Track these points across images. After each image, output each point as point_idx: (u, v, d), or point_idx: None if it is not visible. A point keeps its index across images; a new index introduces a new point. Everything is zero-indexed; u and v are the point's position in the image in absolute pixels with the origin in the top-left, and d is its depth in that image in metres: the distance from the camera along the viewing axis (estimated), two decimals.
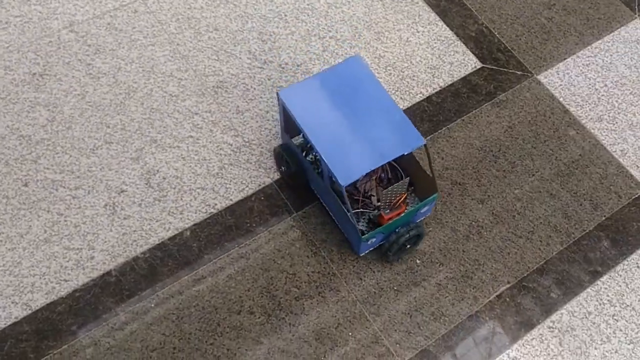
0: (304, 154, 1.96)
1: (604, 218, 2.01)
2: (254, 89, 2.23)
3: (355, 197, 1.90)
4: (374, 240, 1.84)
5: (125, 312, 1.83)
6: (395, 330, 1.84)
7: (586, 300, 1.89)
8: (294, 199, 2.02)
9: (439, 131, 2.14)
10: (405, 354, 1.81)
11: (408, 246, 1.89)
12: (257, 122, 2.16)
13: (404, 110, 2.20)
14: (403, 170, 1.92)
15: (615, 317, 1.87)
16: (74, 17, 2.33)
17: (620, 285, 1.92)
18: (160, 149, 2.10)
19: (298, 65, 2.27)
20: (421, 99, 2.22)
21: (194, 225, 1.98)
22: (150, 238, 1.95)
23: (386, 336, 1.83)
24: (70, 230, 1.93)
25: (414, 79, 2.26)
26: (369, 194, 1.89)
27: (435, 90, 2.24)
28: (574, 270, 1.93)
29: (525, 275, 1.92)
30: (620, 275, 1.93)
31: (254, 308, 1.85)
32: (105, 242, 1.92)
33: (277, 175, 2.07)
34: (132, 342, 1.79)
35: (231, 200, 2.03)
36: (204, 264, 1.92)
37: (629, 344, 1.83)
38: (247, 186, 2.05)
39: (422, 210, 1.88)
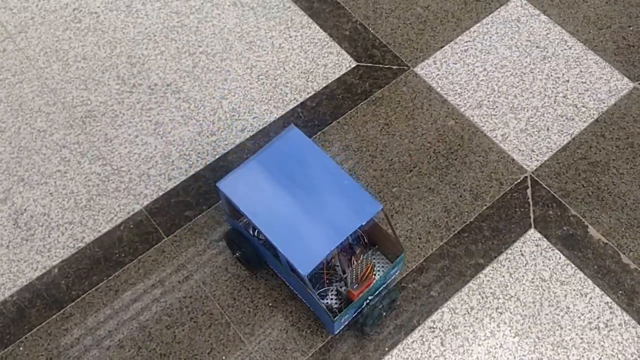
0: (255, 233, 1.85)
1: (484, 207, 2.01)
2: (123, 114, 2.24)
3: (320, 271, 1.81)
4: (346, 316, 1.77)
5: None
6: (271, 349, 1.83)
7: (468, 295, 1.88)
8: (166, 223, 2.03)
9: (314, 136, 2.15)
10: None
11: (384, 313, 1.82)
12: (125, 147, 2.17)
13: (278, 119, 2.21)
14: (364, 232, 1.84)
15: (499, 310, 1.86)
16: None
17: (503, 276, 1.91)
18: (28, 187, 2.11)
19: (168, 85, 2.29)
20: (295, 105, 2.23)
21: (62, 262, 1.99)
22: (19, 280, 1.96)
23: (261, 357, 1.82)
24: None
25: (287, 86, 2.27)
26: (333, 264, 1.80)
27: (310, 95, 2.25)
28: (454, 265, 1.93)
29: (403, 276, 1.92)
30: (504, 266, 1.93)
31: (124, 342, 1.85)
32: None
33: (146, 201, 2.08)
34: None
35: (99, 232, 2.03)
36: (72, 300, 1.93)
37: (514, 337, 1.82)
38: (115, 215, 2.06)
39: (391, 273, 1.83)
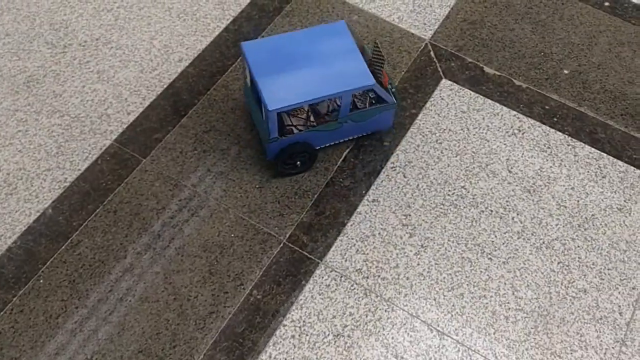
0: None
1: (404, 73, 2.30)
2: (64, 72, 2.27)
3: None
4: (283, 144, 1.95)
5: (19, 297, 1.82)
6: (270, 217, 1.98)
7: (412, 137, 2.16)
8: (139, 148, 2.10)
9: None
10: (286, 232, 1.96)
11: (298, 163, 2.02)
12: (77, 98, 2.21)
13: (209, 45, 2.35)
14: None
15: (438, 142, 2.16)
16: None
17: (433, 117, 2.21)
18: None
19: (97, 39, 2.35)
20: (220, 30, 2.38)
21: (53, 202, 2.00)
22: (16, 227, 1.94)
23: (264, 225, 1.97)
24: None
25: (207, 17, 2.42)
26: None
27: (230, 21, 2.41)
28: (396, 119, 2.20)
29: (359, 136, 2.15)
30: (431, 110, 2.23)
31: (137, 247, 1.92)
32: None
33: (114, 135, 2.14)
34: (34, 318, 1.78)
35: (79, 170, 2.06)
36: (76, 229, 1.95)
37: (455, 157, 2.13)
38: (89, 153, 2.10)
39: (380, 116, 2.03)
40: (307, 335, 1.80)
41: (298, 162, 2.04)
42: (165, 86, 2.26)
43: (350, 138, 2.10)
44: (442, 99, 2.26)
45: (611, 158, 2.15)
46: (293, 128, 1.97)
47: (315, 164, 2.08)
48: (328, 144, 2.08)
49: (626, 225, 2.01)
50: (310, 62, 1.92)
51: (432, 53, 2.36)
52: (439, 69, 2.32)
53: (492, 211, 2.02)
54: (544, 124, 2.21)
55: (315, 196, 2.04)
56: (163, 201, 2.01)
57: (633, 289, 1.90)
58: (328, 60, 1.93)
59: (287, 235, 1.96)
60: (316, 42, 1.96)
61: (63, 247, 1.92)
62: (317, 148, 2.05)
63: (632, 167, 2.13)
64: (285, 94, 1.86)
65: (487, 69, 2.33)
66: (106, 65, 2.29)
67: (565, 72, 2.35)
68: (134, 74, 2.27)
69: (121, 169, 2.08)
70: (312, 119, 1.98)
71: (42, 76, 2.26)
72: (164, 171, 2.07)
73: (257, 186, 2.05)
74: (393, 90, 2.02)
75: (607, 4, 2.56)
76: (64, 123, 2.16)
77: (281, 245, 1.95)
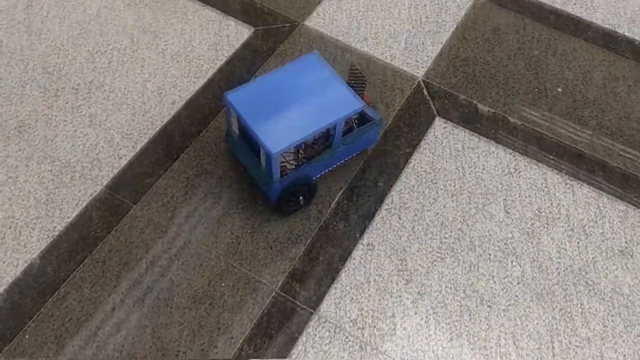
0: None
1: (396, 111, 2.24)
2: (56, 116, 2.22)
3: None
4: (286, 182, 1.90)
5: (3, 354, 1.74)
6: (262, 265, 1.91)
7: (407, 177, 2.09)
8: (130, 193, 2.04)
9: None
10: (278, 280, 1.89)
11: (301, 198, 1.96)
12: (68, 143, 2.15)
13: (202, 87, 2.30)
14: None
15: (433, 181, 2.09)
16: None
17: (428, 156, 2.14)
18: None
19: (90, 82, 2.30)
20: (214, 72, 2.33)
21: (41, 252, 1.93)
22: (3, 279, 1.88)
23: (255, 273, 1.90)
24: None
25: (200, 59, 2.37)
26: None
27: (223, 62, 2.36)
28: (389, 159, 2.13)
29: (352, 177, 2.08)
30: (426, 149, 2.16)
31: (125, 299, 1.84)
32: None
33: (105, 181, 2.08)
34: None
35: (68, 218, 2.00)
36: (64, 281, 1.88)
37: (451, 197, 2.05)
38: (79, 200, 2.03)
39: (368, 134, 2.00)
40: None
41: (301, 198, 1.98)
42: (157, 129, 2.20)
43: (343, 161, 2.07)
44: (437, 137, 2.19)
45: (611, 198, 2.07)
46: (286, 164, 1.91)
47: (309, 207, 2.01)
48: (324, 173, 2.04)
49: (628, 268, 1.92)
50: (297, 98, 1.89)
51: (425, 91, 2.30)
52: (433, 107, 2.26)
53: (490, 255, 1.94)
54: (541, 162, 2.13)
55: (309, 241, 1.97)
56: (153, 249, 1.94)
57: (638, 336, 1.81)
58: (313, 93, 1.90)
59: (280, 284, 1.88)
60: (296, 77, 1.93)
61: (50, 300, 1.85)
62: (314, 179, 2.01)
63: (632, 207, 2.04)
64: (283, 134, 1.81)
65: (480, 107, 2.27)
66: (98, 109, 2.24)
67: (561, 108, 2.28)
68: (126, 118, 2.22)
69: (111, 216, 2.01)
70: (301, 151, 1.92)
71: (34, 121, 2.21)
72: (154, 217, 2.00)
73: (249, 231, 1.98)
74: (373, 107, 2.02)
75: (600, 38, 2.50)
76: (55, 169, 2.10)
77: (273, 294, 1.87)
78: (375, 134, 2.06)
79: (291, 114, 1.86)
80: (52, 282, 1.88)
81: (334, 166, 2.06)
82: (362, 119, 1.99)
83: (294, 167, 1.92)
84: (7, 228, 1.98)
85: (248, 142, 1.94)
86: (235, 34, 2.44)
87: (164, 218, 2.00)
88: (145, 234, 1.97)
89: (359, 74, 1.98)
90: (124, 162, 2.13)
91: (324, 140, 1.95)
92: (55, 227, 1.99)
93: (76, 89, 2.29)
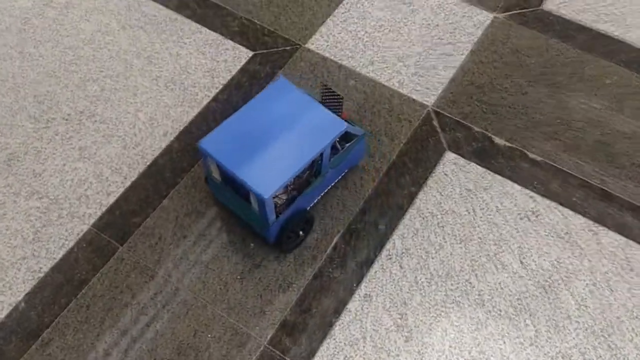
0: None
1: (402, 145, 2.06)
2: (45, 148, 2.11)
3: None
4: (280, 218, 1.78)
5: None
6: (250, 315, 1.77)
7: (411, 220, 1.92)
8: (117, 233, 1.92)
9: None
10: (267, 333, 1.75)
11: (301, 232, 1.85)
12: (57, 177, 2.05)
13: (195, 117, 2.16)
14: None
15: (440, 225, 1.91)
16: None
17: (435, 196, 1.96)
18: None
19: (81, 112, 2.19)
20: (208, 100, 2.19)
21: (26, 295, 1.84)
22: None
23: (243, 324, 1.76)
24: None
25: (195, 87, 2.23)
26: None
27: (219, 89, 2.22)
28: (391, 199, 1.96)
29: (350, 219, 1.92)
30: (433, 188, 1.98)
31: (109, 350, 1.73)
32: None
33: (92, 220, 1.96)
34: None
35: (55, 259, 1.90)
36: (47, 326, 1.79)
37: (459, 244, 1.87)
38: (66, 240, 1.93)
39: (354, 150, 1.89)
40: None
41: (300, 232, 1.86)
42: (148, 163, 2.08)
43: (334, 183, 1.96)
44: (446, 174, 2.00)
45: None
46: (277, 200, 1.77)
47: (304, 250, 1.86)
48: (317, 200, 1.92)
49: None
50: (275, 130, 1.75)
51: (435, 121, 2.11)
52: (443, 140, 2.07)
53: (500, 311, 1.76)
54: (562, 205, 1.93)
55: (302, 290, 1.82)
56: (138, 295, 1.82)
57: None
58: (292, 121, 1.76)
59: (269, 337, 1.74)
60: (269, 108, 1.79)
61: (33, 347, 1.76)
62: (309, 209, 1.89)
63: None
64: (271, 175, 1.68)
65: (496, 140, 2.07)
66: (89, 141, 2.13)
67: (588, 143, 2.06)
68: (117, 151, 2.10)
69: (97, 257, 1.90)
70: (290, 185, 1.78)
71: (24, 154, 2.11)
72: (140, 260, 1.88)
73: (238, 277, 1.85)
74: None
75: (635, 61, 2.26)
76: (42, 206, 1.99)
77: (261, 348, 1.73)
78: (362, 148, 1.93)
79: (274, 150, 1.71)
80: (36, 327, 1.79)
81: (326, 190, 1.93)
82: (345, 135, 1.84)
83: (284, 200, 1.78)
84: None
85: (233, 186, 1.79)
86: (232, 58, 2.29)
87: (151, 261, 1.88)
88: (131, 278, 1.86)
89: (332, 92, 1.84)
90: (112, 199, 2.01)
91: (312, 168, 1.80)
92: (41, 268, 1.89)
93: (67, 119, 2.18)
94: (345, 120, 1.81)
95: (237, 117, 1.79)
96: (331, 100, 1.84)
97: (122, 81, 2.26)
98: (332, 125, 1.76)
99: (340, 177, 1.95)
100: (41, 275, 1.87)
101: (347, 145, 1.85)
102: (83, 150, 2.11)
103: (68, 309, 1.81)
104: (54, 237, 1.94)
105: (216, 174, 1.80)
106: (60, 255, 1.91)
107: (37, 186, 2.04)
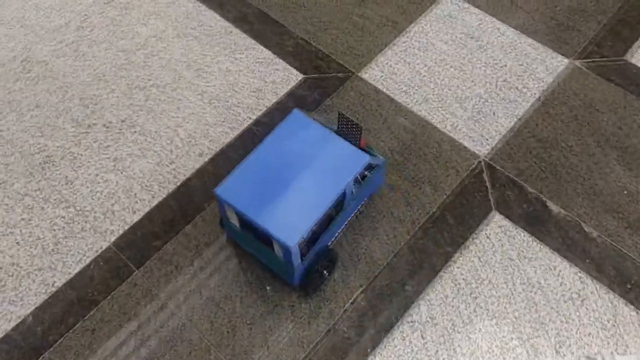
0: None
1: (445, 197, 1.88)
2: (81, 155, 2.07)
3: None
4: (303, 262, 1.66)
5: None
6: None
7: (441, 285, 1.74)
8: (135, 255, 1.85)
9: None
10: None
11: (325, 272, 1.74)
12: (87, 187, 2.00)
13: (234, 139, 2.05)
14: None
15: (473, 295, 1.72)
16: None
17: (472, 261, 1.77)
18: None
19: (122, 121, 2.13)
20: (250, 123, 2.08)
21: (36, 309, 1.81)
22: None
23: None
24: None
25: (239, 106, 2.12)
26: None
27: (263, 112, 2.10)
28: (424, 257, 1.78)
29: (376, 274, 1.76)
30: (472, 251, 1.79)
31: None
32: None
33: (114, 237, 1.90)
34: None
35: (70, 274, 1.85)
36: (50, 346, 1.74)
37: (491, 320, 1.68)
38: (84, 255, 1.88)
39: (373, 178, 1.77)
40: None
41: (325, 272, 1.74)
42: (178, 183, 2.00)
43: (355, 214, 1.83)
44: (488, 237, 1.80)
45: None
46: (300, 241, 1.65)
47: (321, 302, 1.73)
48: (338, 234, 1.80)
49: None
50: (295, 170, 1.62)
51: (485, 175, 1.91)
52: (491, 198, 1.87)
53: None
54: (613, 291, 1.69)
55: (311, 346, 1.68)
56: (144, 326, 1.75)
57: None
58: (311, 159, 1.63)
59: None
60: (286, 146, 1.66)
61: None
62: (331, 245, 1.77)
63: None
64: (295, 221, 1.56)
65: (551, 205, 1.84)
66: (124, 153, 2.07)
67: None
68: (150, 166, 2.03)
69: (112, 278, 1.84)
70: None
71: (60, 158, 2.07)
72: (153, 288, 1.81)
73: (247, 322, 1.73)
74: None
75: None
76: (68, 216, 1.95)
77: None
78: (380, 176, 1.80)
79: (295, 192, 1.58)
80: (39, 345, 1.75)
81: (346, 223, 1.81)
82: (367, 167, 1.71)
83: (315, 241, 1.67)
84: (9, 275, 1.86)
85: (253, 232, 1.67)
86: (282, 79, 2.16)
87: (163, 290, 1.80)
88: (141, 305, 1.79)
89: (350, 122, 1.68)
90: (136, 217, 1.94)
91: (334, 205, 1.66)
92: (54, 281, 1.85)
93: (107, 127, 2.12)
94: (364, 149, 1.66)
95: (254, 159, 1.66)
96: (349, 130, 1.69)
97: (168, 92, 2.18)
98: (353, 159, 1.62)
99: (360, 205, 1.83)
100: (54, 290, 1.84)
101: (368, 174, 1.72)
102: (117, 162, 2.05)
103: (74, 330, 1.76)
104: (73, 251, 1.89)
105: (234, 220, 1.68)
106: (76, 271, 1.86)
107: (66, 194, 2.00)
